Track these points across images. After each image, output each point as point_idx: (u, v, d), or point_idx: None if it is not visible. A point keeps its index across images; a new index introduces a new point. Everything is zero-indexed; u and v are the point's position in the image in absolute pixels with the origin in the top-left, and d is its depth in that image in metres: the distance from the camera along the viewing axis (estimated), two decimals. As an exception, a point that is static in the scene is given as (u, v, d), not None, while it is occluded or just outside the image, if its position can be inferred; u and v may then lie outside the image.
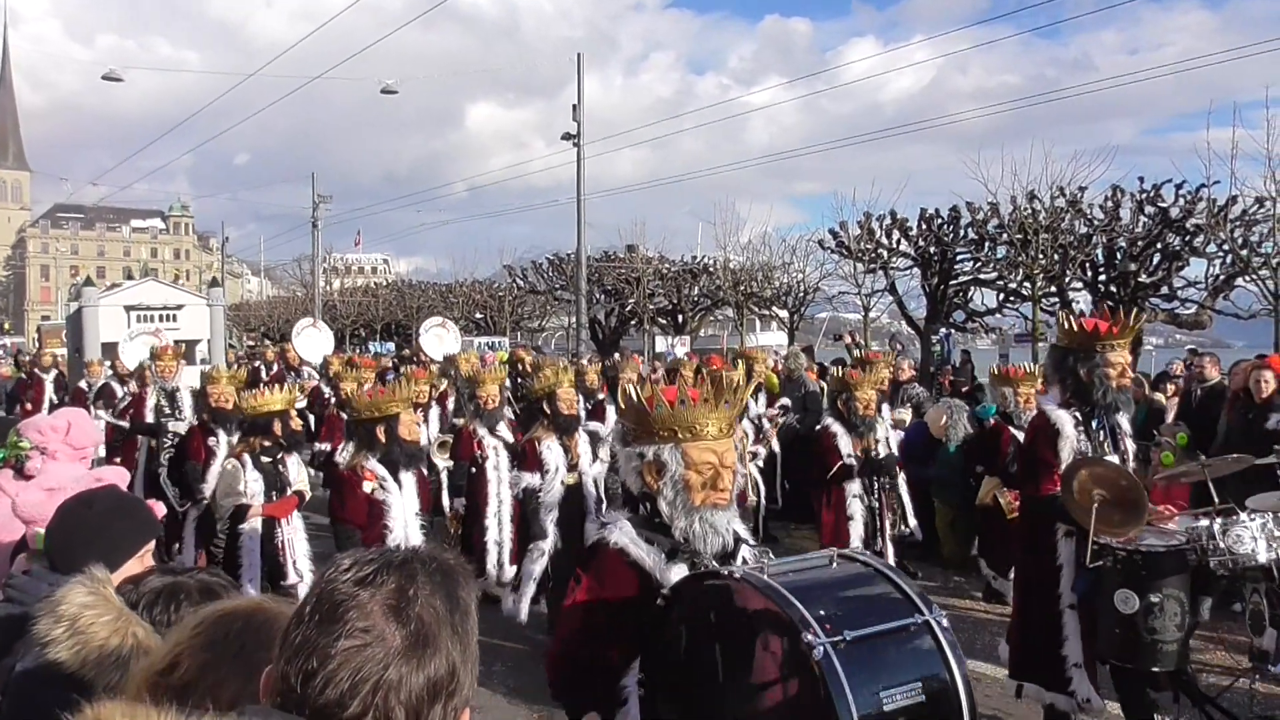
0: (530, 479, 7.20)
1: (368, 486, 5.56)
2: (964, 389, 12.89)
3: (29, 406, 15.18)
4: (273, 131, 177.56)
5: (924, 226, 20.52)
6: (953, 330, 21.50)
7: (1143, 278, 17.25)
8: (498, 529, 8.00)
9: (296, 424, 7.12)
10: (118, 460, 9.97)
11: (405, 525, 5.58)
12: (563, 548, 7.07)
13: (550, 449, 7.22)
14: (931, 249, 20.42)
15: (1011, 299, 19.86)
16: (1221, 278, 16.88)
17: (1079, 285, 18.56)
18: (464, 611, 1.34)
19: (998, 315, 20.90)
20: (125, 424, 10.94)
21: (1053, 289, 18.55)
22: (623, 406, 3.08)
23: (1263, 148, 15.57)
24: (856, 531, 7.13)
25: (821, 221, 27.77)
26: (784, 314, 27.05)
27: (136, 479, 9.79)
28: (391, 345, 34.17)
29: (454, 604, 1.33)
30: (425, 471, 6.72)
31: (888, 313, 24.45)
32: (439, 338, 18.92)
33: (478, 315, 37.86)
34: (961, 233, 19.98)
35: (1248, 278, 16.20)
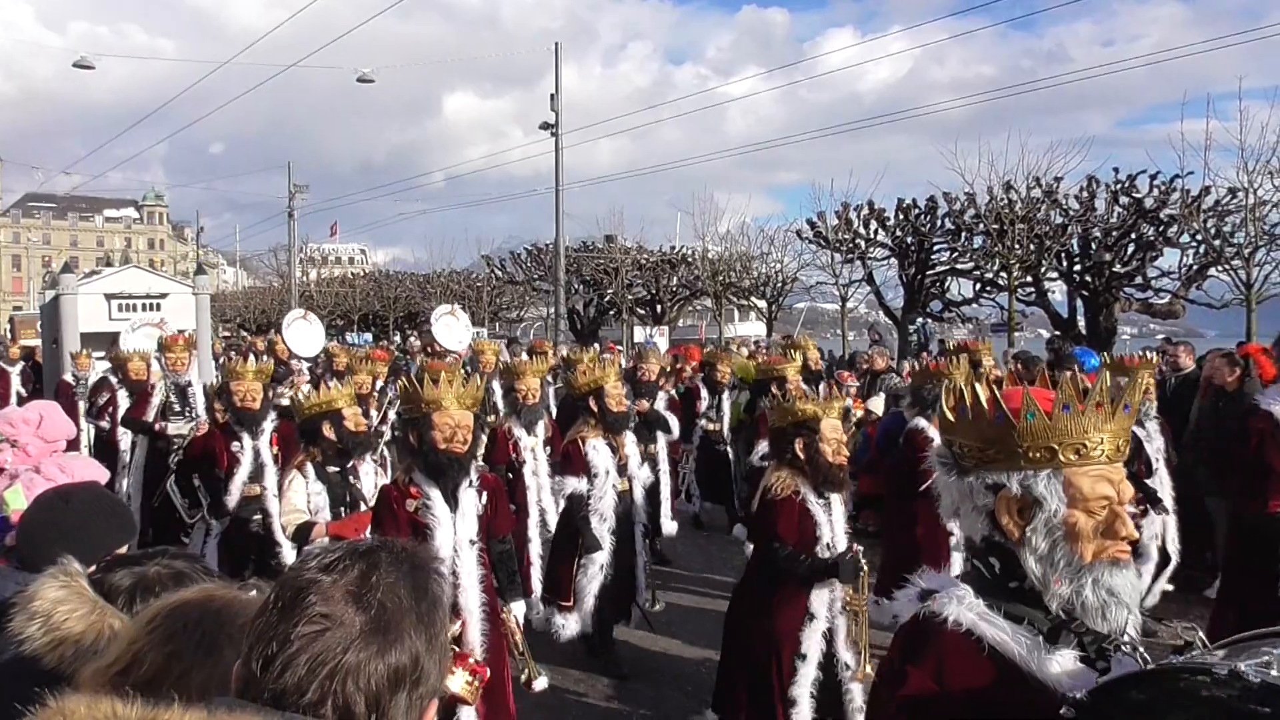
0: (576, 484, 6.42)
1: (410, 505, 4.61)
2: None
3: None
4: (248, 120, 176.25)
5: (901, 217, 20.62)
6: (929, 320, 21.63)
7: (1117, 268, 17.39)
8: (542, 543, 7.24)
9: (359, 424, 6.06)
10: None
11: (454, 555, 4.54)
12: (610, 562, 6.42)
13: (597, 450, 6.43)
14: (909, 239, 20.51)
15: (988, 289, 19.99)
16: (1195, 267, 17.03)
17: (1054, 275, 18.72)
18: (432, 602, 1.33)
19: (974, 305, 21.03)
20: (104, 424, 10.12)
21: (1029, 279, 18.68)
22: (949, 416, 2.12)
23: (1236, 139, 15.75)
24: (959, 554, 6.07)
25: (799, 212, 27.94)
26: (762, 304, 27.14)
27: (129, 481, 9.18)
28: (369, 336, 34.00)
29: (420, 594, 1.32)
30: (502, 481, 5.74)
31: (865, 303, 24.57)
32: (449, 326, 17.12)
33: (456, 305, 37.76)
34: (939, 223, 20.09)
35: (1220, 267, 16.37)
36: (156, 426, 8.91)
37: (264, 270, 64.52)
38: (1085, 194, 17.86)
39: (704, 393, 10.54)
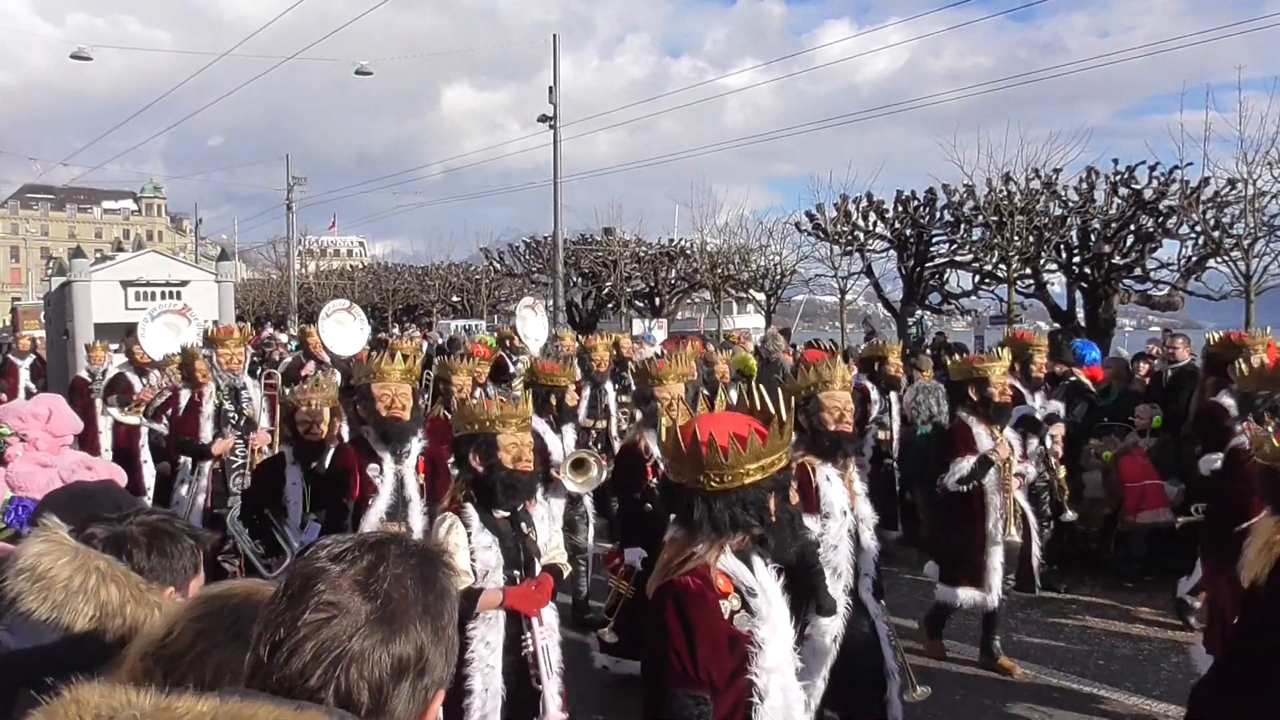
0: (809, 525, 4.52)
1: (726, 607, 2.78)
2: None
3: (3, 396, 14.44)
4: (246, 113, 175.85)
5: (900, 209, 20.60)
6: (927, 312, 21.64)
7: (1116, 259, 17.38)
8: None
9: (524, 456, 4.22)
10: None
11: (785, 686, 2.86)
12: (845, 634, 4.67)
13: (830, 481, 4.72)
14: (908, 231, 20.50)
15: (987, 281, 19.98)
16: (1194, 259, 17.03)
17: (1054, 267, 18.70)
18: (440, 594, 1.35)
19: (973, 297, 21.03)
20: (162, 427, 8.49)
21: (1028, 271, 18.67)
22: None
23: (1235, 130, 15.74)
24: None
25: (798, 204, 27.99)
26: (761, 297, 27.12)
27: (186, 494, 7.59)
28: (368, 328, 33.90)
29: (428, 585, 1.34)
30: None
31: (864, 295, 24.59)
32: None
33: (454, 298, 37.72)
34: (937, 215, 20.07)
35: (1219, 259, 16.37)
36: (254, 435, 7.41)
37: (263, 262, 64.44)
38: (1084, 185, 17.84)
39: (874, 393, 9.05)
